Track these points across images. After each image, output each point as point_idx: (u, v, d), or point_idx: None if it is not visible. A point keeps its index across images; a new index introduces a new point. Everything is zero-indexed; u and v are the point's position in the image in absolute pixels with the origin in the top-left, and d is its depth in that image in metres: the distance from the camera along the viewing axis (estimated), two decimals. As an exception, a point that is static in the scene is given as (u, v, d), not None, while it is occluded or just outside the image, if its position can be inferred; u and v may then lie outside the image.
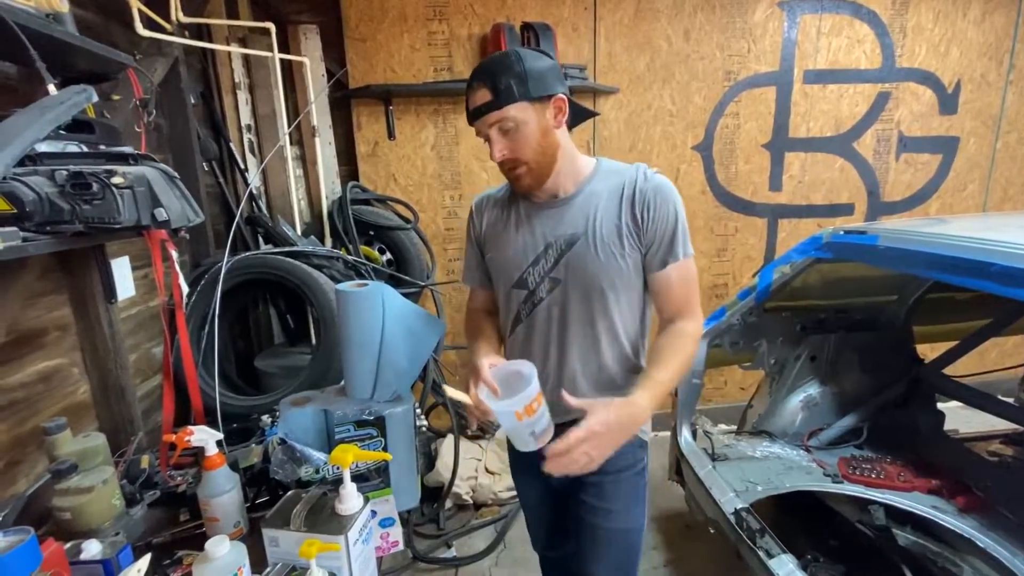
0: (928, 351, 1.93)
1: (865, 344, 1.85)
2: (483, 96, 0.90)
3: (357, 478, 1.04)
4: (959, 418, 1.93)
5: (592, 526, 1.07)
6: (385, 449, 1.09)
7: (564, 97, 0.94)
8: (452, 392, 0.93)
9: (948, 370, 1.82)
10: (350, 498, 0.85)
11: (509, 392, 0.85)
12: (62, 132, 0.99)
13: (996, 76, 2.80)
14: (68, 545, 0.84)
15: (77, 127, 1.04)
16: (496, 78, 0.89)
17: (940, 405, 1.85)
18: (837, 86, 2.72)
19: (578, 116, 1.04)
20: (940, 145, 2.85)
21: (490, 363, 0.94)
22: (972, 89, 2.80)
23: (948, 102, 2.80)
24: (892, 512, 1.52)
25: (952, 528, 1.40)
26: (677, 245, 0.96)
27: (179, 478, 1.16)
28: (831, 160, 2.81)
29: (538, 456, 0.98)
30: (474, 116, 0.93)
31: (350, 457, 0.87)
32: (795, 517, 1.71)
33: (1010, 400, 1.91)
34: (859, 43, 2.68)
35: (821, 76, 2.69)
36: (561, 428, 1.00)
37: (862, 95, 2.74)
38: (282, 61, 2.06)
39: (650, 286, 1.01)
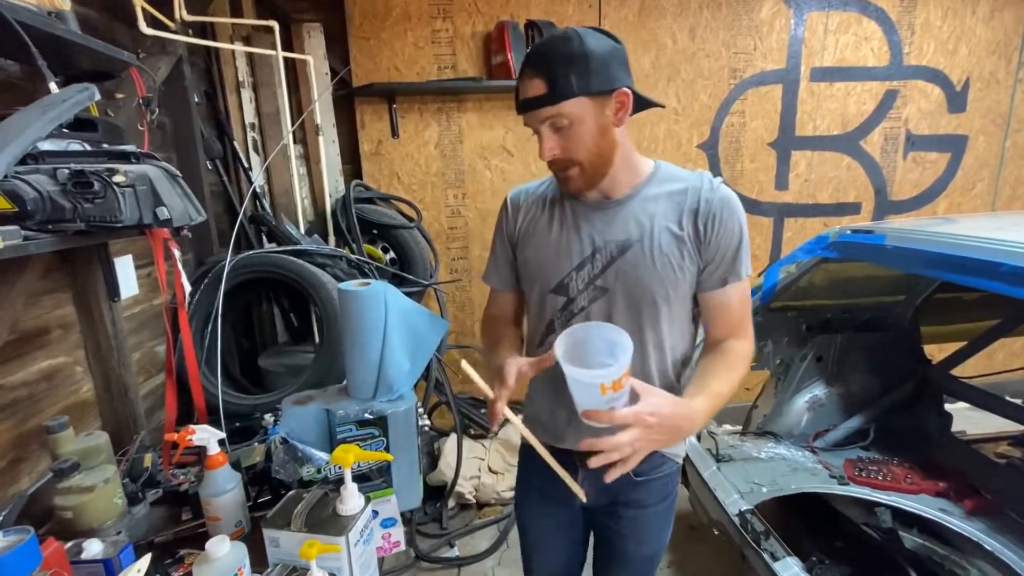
0: (935, 352, 1.91)
1: (872, 344, 1.83)
2: (536, 87, 0.80)
3: (359, 478, 1.03)
4: (966, 419, 1.91)
5: (622, 551, 1.04)
6: (387, 449, 1.09)
7: (628, 92, 0.83)
8: (471, 373, 0.78)
9: (955, 371, 1.80)
10: (351, 498, 0.84)
11: (577, 362, 0.73)
12: (65, 130, 0.99)
13: (1005, 74, 2.76)
14: (69, 544, 0.83)
15: (80, 125, 1.04)
16: (552, 66, 0.79)
17: (947, 406, 1.83)
18: (844, 84, 2.69)
19: (639, 106, 0.92)
20: (948, 143, 2.82)
21: (520, 365, 0.84)
22: (981, 87, 2.77)
23: (957, 100, 2.77)
24: (899, 514, 1.51)
25: (960, 531, 1.38)
26: (740, 263, 0.89)
27: (182, 476, 1.16)
28: (838, 159, 2.79)
29: (578, 471, 0.93)
30: (523, 108, 0.83)
31: (351, 457, 0.87)
32: (800, 518, 1.70)
33: (1018, 401, 1.88)
34: (867, 40, 2.65)
35: (828, 74, 2.67)
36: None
37: (869, 93, 2.72)
38: (286, 59, 2.05)
39: (703, 304, 0.93)
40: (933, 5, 2.63)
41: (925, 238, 1.23)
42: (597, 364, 0.72)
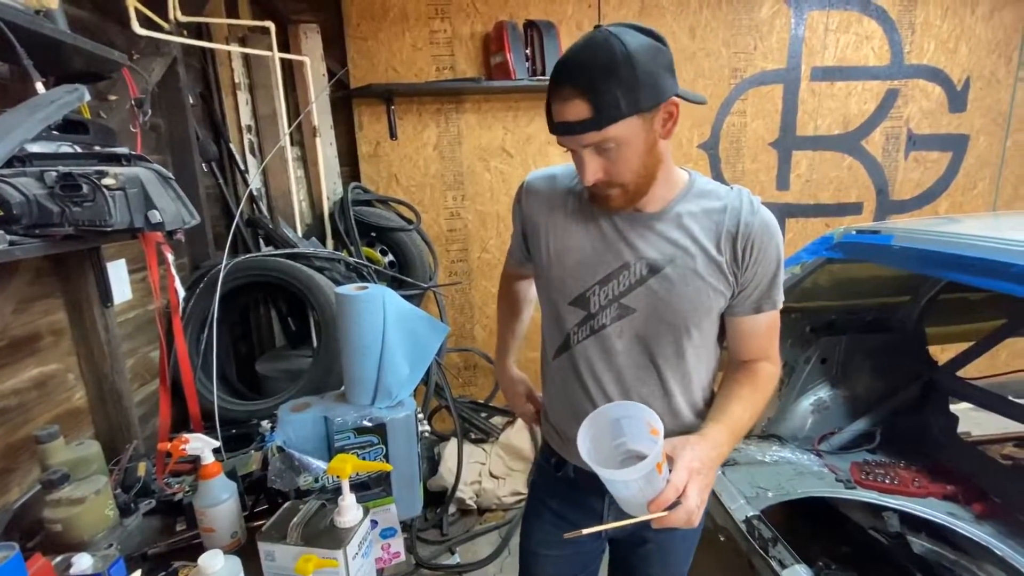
0: (938, 352, 1.89)
1: (877, 346, 1.81)
2: (576, 109, 0.70)
3: (357, 487, 1.01)
4: (969, 420, 1.89)
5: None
6: (386, 457, 1.06)
7: (678, 101, 0.75)
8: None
9: (959, 372, 1.78)
10: (349, 510, 0.82)
11: (604, 445, 0.72)
12: (55, 132, 0.97)
13: (1005, 73, 2.76)
14: (58, 559, 0.81)
15: (72, 127, 1.01)
16: (596, 85, 0.68)
17: (951, 407, 1.81)
18: (845, 83, 2.68)
19: None
20: (950, 143, 2.81)
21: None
22: (981, 86, 2.76)
23: (957, 99, 2.76)
24: (906, 519, 1.48)
25: (968, 535, 1.36)
26: (776, 291, 0.84)
27: (176, 486, 1.14)
28: (839, 158, 2.77)
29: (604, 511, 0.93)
30: (561, 131, 0.74)
31: (349, 468, 0.84)
32: (806, 522, 1.67)
33: (1022, 402, 1.86)
34: (867, 40, 2.64)
35: (829, 73, 2.66)
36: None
37: (870, 92, 2.71)
38: (282, 61, 2.03)
39: (732, 327, 0.88)
40: (933, 4, 2.62)
41: (934, 238, 1.21)
42: (616, 449, 0.72)
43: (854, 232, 1.45)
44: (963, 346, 1.83)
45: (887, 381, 1.81)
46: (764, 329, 0.87)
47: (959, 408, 1.80)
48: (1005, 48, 2.72)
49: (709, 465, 0.71)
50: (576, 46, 0.72)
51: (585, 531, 0.67)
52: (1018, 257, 1.01)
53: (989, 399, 1.67)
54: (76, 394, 1.24)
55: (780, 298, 0.86)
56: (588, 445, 0.69)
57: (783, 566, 1.20)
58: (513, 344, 1.15)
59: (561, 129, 0.74)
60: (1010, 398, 1.69)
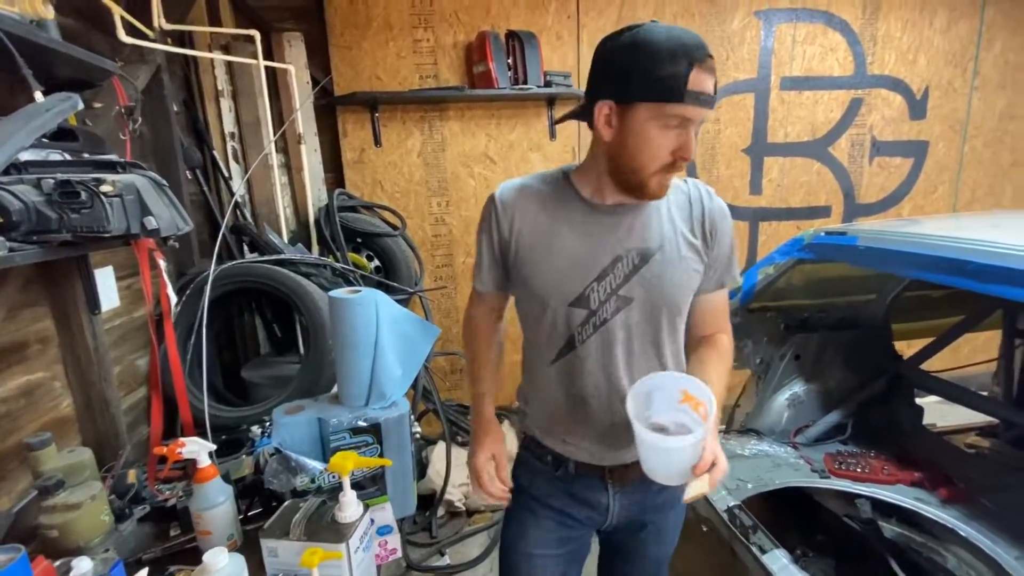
0: (904, 348, 1.99)
1: (846, 342, 1.89)
2: (712, 85, 0.77)
3: (353, 486, 1.03)
4: (935, 412, 1.98)
5: (643, 555, 1.08)
6: (381, 456, 1.09)
7: None
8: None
9: (924, 366, 1.87)
10: (350, 506, 0.84)
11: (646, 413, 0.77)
12: (44, 140, 0.98)
13: (962, 83, 2.92)
14: (58, 563, 0.81)
15: (60, 135, 1.02)
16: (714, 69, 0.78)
17: (917, 400, 1.90)
18: (812, 92, 2.80)
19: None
20: (911, 149, 2.96)
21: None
22: (940, 95, 2.91)
23: (917, 108, 2.91)
24: (878, 505, 1.56)
25: (935, 519, 1.43)
26: (734, 266, 0.96)
27: (167, 492, 1.14)
28: (808, 164, 2.89)
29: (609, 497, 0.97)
30: (703, 102, 0.77)
31: (350, 464, 0.86)
32: (784, 513, 1.74)
33: (984, 393, 1.97)
34: (832, 51, 2.77)
35: (797, 83, 2.78)
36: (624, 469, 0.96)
37: (836, 101, 2.83)
38: (266, 68, 2.04)
39: (697, 305, 0.96)
40: (893, 17, 2.77)
41: (895, 238, 1.29)
42: (646, 422, 0.77)
43: (823, 234, 1.53)
44: (927, 341, 1.93)
45: (857, 375, 1.90)
46: (721, 303, 0.99)
47: (926, 401, 1.89)
48: (961, 59, 2.88)
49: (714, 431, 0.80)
50: (686, 31, 0.77)
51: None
52: (973, 255, 1.09)
53: (953, 391, 1.75)
54: (63, 402, 1.23)
55: (737, 272, 0.97)
56: (635, 413, 0.74)
57: (763, 551, 1.26)
58: (492, 389, 1.08)
59: (704, 100, 0.77)
60: (973, 390, 1.79)
